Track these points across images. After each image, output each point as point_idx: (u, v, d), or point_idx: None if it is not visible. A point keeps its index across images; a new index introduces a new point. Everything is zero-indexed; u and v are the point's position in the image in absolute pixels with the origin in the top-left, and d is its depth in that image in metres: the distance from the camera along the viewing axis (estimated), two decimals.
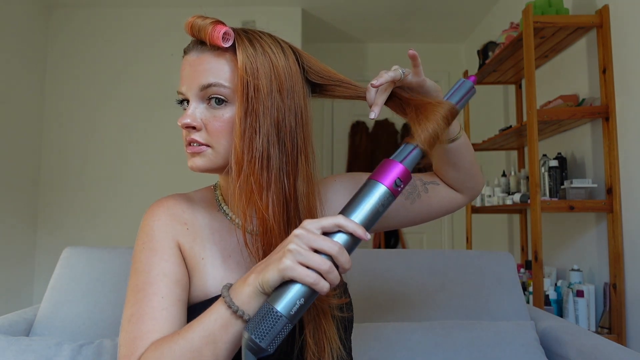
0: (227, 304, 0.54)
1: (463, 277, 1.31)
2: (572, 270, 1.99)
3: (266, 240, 0.63)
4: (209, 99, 0.64)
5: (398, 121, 3.80)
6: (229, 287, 0.57)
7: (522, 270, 2.36)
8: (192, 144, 0.66)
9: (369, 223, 0.56)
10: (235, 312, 0.54)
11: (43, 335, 1.15)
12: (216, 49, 0.64)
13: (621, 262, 1.79)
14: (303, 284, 0.52)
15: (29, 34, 2.92)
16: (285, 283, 0.52)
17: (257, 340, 0.50)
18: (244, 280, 0.56)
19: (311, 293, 0.52)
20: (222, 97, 0.64)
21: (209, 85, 0.63)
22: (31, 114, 2.95)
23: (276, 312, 0.51)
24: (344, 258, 0.53)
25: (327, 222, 0.54)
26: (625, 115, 1.80)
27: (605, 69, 1.87)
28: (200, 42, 0.65)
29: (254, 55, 0.63)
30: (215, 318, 0.55)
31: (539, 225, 1.85)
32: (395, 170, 0.57)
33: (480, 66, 2.66)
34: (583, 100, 2.01)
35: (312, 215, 0.67)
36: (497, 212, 2.80)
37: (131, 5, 3.15)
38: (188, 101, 0.66)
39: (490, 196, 2.61)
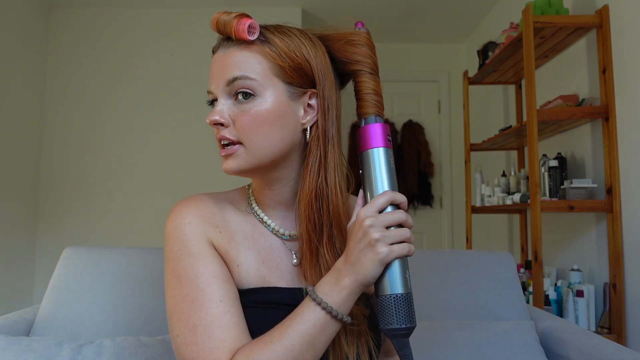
0: (326, 309, 0.57)
1: (463, 277, 1.31)
2: (572, 270, 1.98)
3: (299, 244, 0.66)
4: (236, 94, 0.63)
5: (398, 121, 3.79)
6: (312, 289, 0.59)
7: (522, 270, 2.36)
8: (223, 143, 0.64)
9: (394, 185, 0.62)
10: (336, 316, 0.57)
11: (43, 335, 1.15)
12: (242, 42, 0.63)
13: (621, 262, 1.79)
14: (402, 257, 0.57)
15: (29, 34, 2.92)
16: (385, 267, 0.57)
17: (406, 325, 0.56)
18: (335, 284, 0.58)
19: (406, 260, 0.59)
20: (249, 90, 0.62)
21: (235, 79, 0.62)
22: (31, 114, 2.95)
23: (401, 294, 0.57)
24: (409, 219, 0.59)
25: (380, 202, 0.58)
26: (625, 115, 1.80)
27: (605, 69, 1.87)
28: (227, 39, 0.64)
29: (287, 41, 0.64)
30: (314, 323, 0.57)
31: (538, 225, 1.85)
32: (378, 129, 0.62)
33: (480, 66, 2.66)
34: (583, 100, 2.00)
35: (339, 213, 0.65)
36: (497, 212, 2.80)
37: (131, 5, 3.15)
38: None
39: (490, 196, 2.61)
